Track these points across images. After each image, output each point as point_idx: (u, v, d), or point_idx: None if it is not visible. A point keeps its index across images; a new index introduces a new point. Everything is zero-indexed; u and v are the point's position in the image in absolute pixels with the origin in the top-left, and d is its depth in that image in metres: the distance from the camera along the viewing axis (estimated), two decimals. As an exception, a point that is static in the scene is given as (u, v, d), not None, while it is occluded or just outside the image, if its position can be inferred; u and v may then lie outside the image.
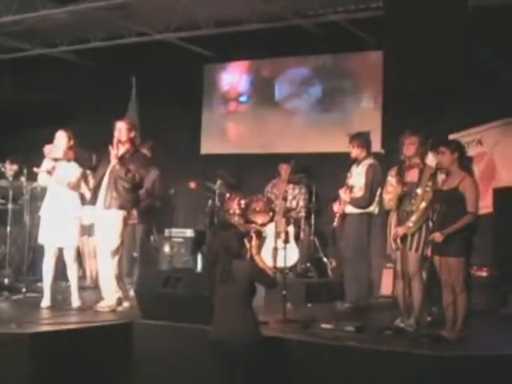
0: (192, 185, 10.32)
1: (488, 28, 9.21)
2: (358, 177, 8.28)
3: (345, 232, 8.41)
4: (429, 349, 6.09)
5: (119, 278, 7.84)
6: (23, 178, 9.00)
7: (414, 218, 6.86)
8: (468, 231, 6.49)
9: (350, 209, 8.26)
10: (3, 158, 10.20)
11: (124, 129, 7.89)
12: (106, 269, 7.79)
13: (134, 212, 8.56)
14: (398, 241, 6.93)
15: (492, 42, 9.29)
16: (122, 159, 7.74)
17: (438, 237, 6.49)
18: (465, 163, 6.69)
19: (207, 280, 5.83)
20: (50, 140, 7.99)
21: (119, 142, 7.81)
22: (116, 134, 7.87)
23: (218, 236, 5.87)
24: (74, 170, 7.99)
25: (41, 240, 7.99)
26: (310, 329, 6.88)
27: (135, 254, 9.56)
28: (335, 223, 8.37)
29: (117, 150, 7.73)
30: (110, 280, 7.77)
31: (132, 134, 7.95)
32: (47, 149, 7.90)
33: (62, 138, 7.99)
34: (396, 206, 6.98)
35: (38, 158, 8.07)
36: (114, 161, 7.71)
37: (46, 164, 7.97)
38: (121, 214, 7.74)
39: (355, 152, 8.40)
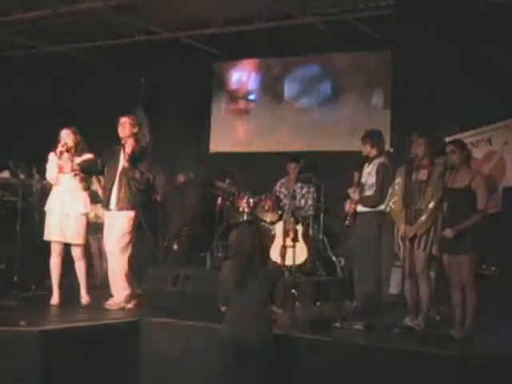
0: (180, 178, 10.25)
1: (500, 26, 9.20)
2: (368, 175, 8.28)
3: (355, 230, 8.41)
4: (437, 348, 6.09)
5: (128, 276, 7.86)
6: (34, 176, 9.01)
7: (423, 217, 6.86)
8: (478, 229, 6.49)
9: (360, 207, 8.25)
10: (14, 156, 10.27)
11: (127, 124, 7.92)
12: (115, 267, 7.81)
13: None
14: (407, 240, 6.92)
15: (503, 40, 9.27)
16: (131, 160, 7.76)
17: (448, 233, 6.49)
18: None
19: (240, 276, 5.78)
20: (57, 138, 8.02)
21: (125, 139, 7.86)
22: (119, 129, 7.90)
23: (252, 233, 5.88)
24: None
25: (46, 236, 8.01)
26: (319, 327, 6.88)
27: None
28: (347, 222, 8.36)
29: (123, 152, 7.75)
30: (119, 278, 7.79)
31: (135, 130, 7.97)
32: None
33: (68, 136, 7.99)
34: (403, 206, 6.98)
35: (47, 156, 8.09)
36: (125, 163, 7.73)
37: (53, 161, 7.98)
38: (131, 213, 7.78)
39: (366, 150, 8.39)
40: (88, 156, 8.05)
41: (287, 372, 6.27)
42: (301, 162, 9.63)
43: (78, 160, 7.93)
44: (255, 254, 5.79)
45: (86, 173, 8.09)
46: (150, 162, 7.89)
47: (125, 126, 7.91)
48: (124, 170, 7.78)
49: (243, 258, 5.79)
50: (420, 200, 6.91)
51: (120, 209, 7.77)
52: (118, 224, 7.78)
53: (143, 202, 7.84)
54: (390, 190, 7.44)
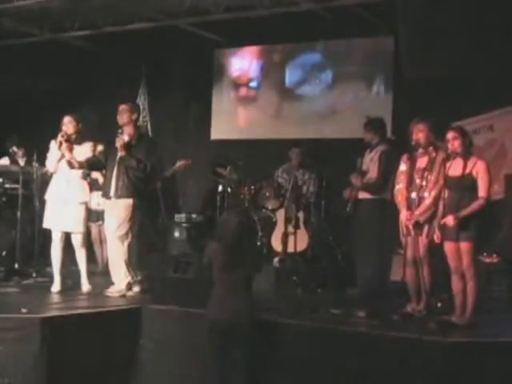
0: (179, 165, 10.24)
1: (500, 12, 9.17)
2: (370, 162, 8.27)
3: (357, 217, 8.40)
4: (438, 335, 6.09)
5: (129, 264, 7.87)
6: (34, 163, 9.01)
7: (426, 204, 6.85)
8: (480, 216, 6.47)
9: (362, 194, 8.25)
10: (13, 140, 10.33)
11: (125, 112, 7.92)
12: (115, 254, 7.82)
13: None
14: (410, 227, 6.92)
15: (505, 26, 9.24)
16: (129, 148, 7.77)
17: (450, 220, 6.46)
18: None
19: (225, 261, 5.81)
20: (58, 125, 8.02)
21: (122, 126, 7.87)
22: (118, 117, 7.92)
23: (236, 219, 5.90)
24: (85, 152, 8.00)
25: (46, 224, 8.02)
26: (320, 314, 6.88)
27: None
28: (348, 209, 8.35)
29: (121, 141, 7.76)
30: (119, 265, 7.80)
31: (134, 117, 7.97)
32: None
33: (69, 123, 8.00)
34: (406, 193, 6.97)
35: (48, 144, 8.09)
36: (121, 151, 7.74)
37: (54, 150, 7.99)
38: (130, 201, 7.78)
39: (368, 137, 8.39)
40: (88, 145, 8.05)
41: (287, 358, 6.27)
42: (303, 147, 9.65)
43: (83, 158, 7.95)
44: (239, 239, 5.81)
45: (92, 170, 8.17)
46: (148, 149, 7.89)
47: (123, 114, 7.93)
48: (122, 159, 7.79)
49: (228, 243, 5.82)
50: (423, 187, 6.90)
51: (118, 197, 7.78)
52: (117, 212, 7.79)
53: (141, 190, 7.84)
54: (394, 178, 7.44)
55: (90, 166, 8.01)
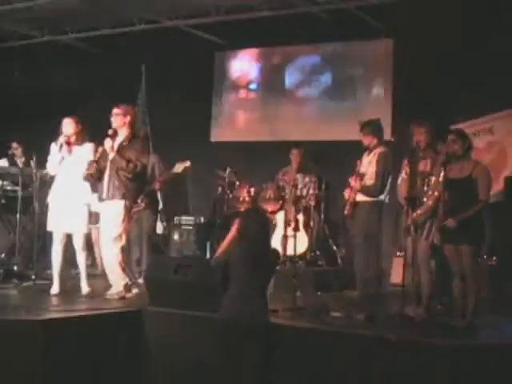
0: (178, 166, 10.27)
1: (501, 14, 9.19)
2: (368, 165, 8.26)
3: (355, 220, 8.39)
4: (438, 337, 6.08)
5: (125, 265, 7.84)
6: (33, 165, 8.99)
7: (427, 206, 6.85)
8: (480, 219, 6.47)
9: (360, 197, 8.24)
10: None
11: (118, 115, 7.91)
12: (109, 256, 7.80)
13: (139, 199, 8.59)
14: (411, 229, 6.92)
15: (504, 28, 9.26)
16: (120, 149, 7.76)
17: (450, 222, 6.46)
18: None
19: (250, 259, 5.79)
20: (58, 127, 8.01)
21: (114, 129, 7.86)
22: (112, 120, 7.90)
23: (260, 217, 5.89)
24: (86, 153, 7.97)
25: (49, 227, 8.00)
26: (320, 317, 6.87)
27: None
28: (346, 211, 8.35)
29: (112, 142, 7.75)
30: (114, 267, 7.78)
31: (127, 119, 7.94)
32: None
33: (69, 124, 7.99)
34: (408, 196, 6.97)
35: (49, 146, 8.07)
36: (111, 153, 7.73)
37: (54, 152, 7.98)
38: (122, 202, 7.76)
39: (366, 140, 8.38)
40: (89, 145, 8.03)
41: (286, 361, 6.26)
42: (302, 148, 9.65)
43: (84, 159, 7.91)
44: (262, 240, 5.79)
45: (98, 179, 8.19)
46: (139, 150, 7.86)
47: (116, 117, 7.92)
48: (113, 160, 7.78)
49: (251, 243, 5.77)
50: (424, 189, 6.91)
51: (111, 198, 7.77)
52: (110, 214, 7.78)
53: (133, 191, 7.83)
54: (393, 180, 7.44)
55: (97, 176, 8.02)
